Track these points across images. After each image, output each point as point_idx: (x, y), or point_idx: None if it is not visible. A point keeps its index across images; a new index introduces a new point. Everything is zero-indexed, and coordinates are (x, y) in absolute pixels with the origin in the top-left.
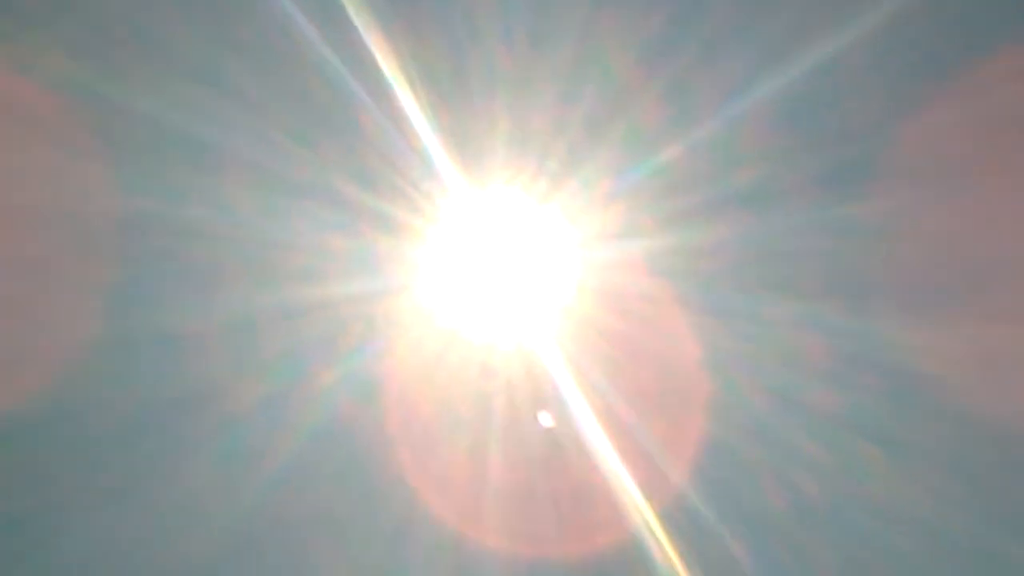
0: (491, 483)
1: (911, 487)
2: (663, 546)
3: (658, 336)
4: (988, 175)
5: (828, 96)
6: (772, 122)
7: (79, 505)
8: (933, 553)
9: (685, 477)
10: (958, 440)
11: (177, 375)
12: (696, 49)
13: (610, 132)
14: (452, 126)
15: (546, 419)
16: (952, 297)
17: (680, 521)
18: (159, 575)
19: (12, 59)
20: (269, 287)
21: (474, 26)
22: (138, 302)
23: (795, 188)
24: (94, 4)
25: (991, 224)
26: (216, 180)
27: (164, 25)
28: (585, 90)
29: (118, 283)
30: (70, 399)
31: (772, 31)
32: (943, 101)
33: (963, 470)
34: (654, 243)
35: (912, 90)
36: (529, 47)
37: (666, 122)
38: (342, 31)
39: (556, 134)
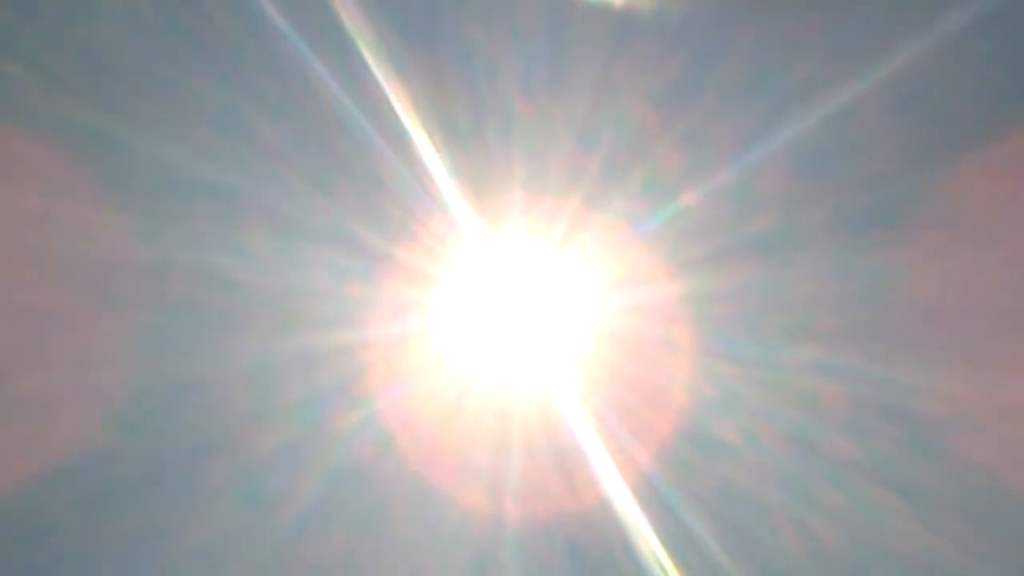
0: (509, 530)
1: (930, 536)
2: None
3: (676, 382)
4: (1012, 224)
5: (847, 142)
6: (790, 168)
7: (100, 553)
8: None
9: (702, 523)
10: (979, 489)
11: (195, 422)
12: (714, 95)
13: (628, 178)
14: (469, 172)
15: None
16: (973, 345)
17: (697, 568)
18: None
19: (20, 108)
20: (286, 333)
21: (492, 72)
22: (156, 350)
23: (814, 234)
24: (105, 50)
25: (1014, 272)
26: (233, 227)
27: (180, 71)
28: (602, 136)
29: (136, 331)
30: (89, 448)
31: (791, 77)
32: (963, 148)
33: (984, 520)
34: (672, 289)
35: (931, 137)
36: (546, 93)
37: (683, 168)
38: (360, 78)
39: (573, 180)
